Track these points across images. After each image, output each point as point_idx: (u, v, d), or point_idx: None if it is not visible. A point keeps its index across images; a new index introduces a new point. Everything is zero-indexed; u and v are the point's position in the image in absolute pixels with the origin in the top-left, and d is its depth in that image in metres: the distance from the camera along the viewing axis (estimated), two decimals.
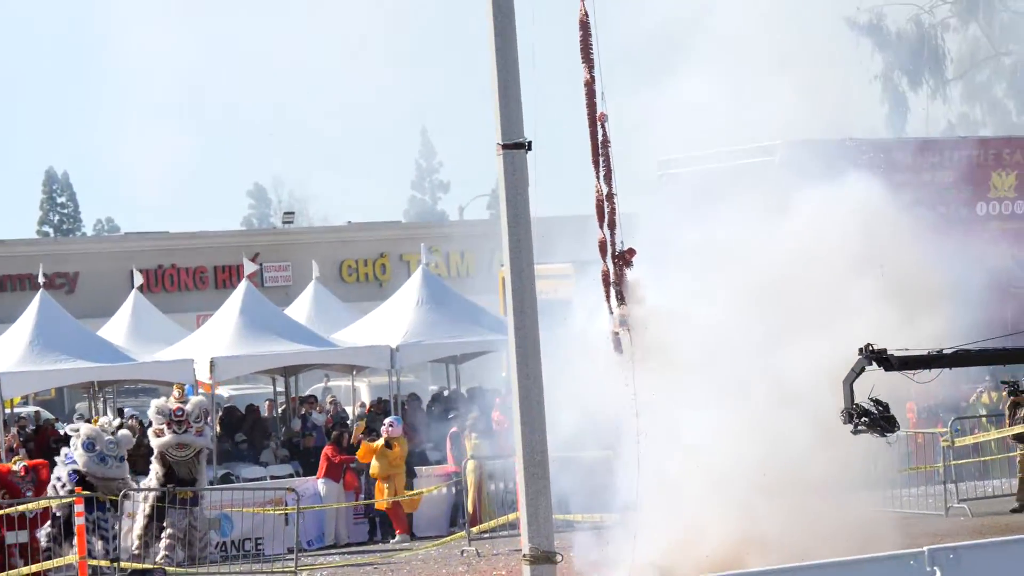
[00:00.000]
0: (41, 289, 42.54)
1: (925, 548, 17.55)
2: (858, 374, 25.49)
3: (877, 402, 25.21)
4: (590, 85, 21.37)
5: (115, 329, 45.79)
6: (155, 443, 32.09)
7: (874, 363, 25.53)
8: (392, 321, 43.54)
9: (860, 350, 25.81)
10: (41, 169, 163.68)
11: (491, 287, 34.27)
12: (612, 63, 23.70)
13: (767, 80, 33.44)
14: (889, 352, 25.62)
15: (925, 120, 54.78)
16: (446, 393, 44.54)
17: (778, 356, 25.88)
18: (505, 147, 18.37)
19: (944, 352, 26.35)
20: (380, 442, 35.18)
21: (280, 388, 48.28)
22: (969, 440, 30.62)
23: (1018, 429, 30.35)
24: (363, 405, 44.45)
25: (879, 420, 25.08)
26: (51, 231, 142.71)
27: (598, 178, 21.34)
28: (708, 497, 24.63)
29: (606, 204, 21.66)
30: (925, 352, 26.10)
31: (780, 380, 25.63)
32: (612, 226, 21.49)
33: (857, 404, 25.19)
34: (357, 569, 30.31)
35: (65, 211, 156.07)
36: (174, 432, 31.73)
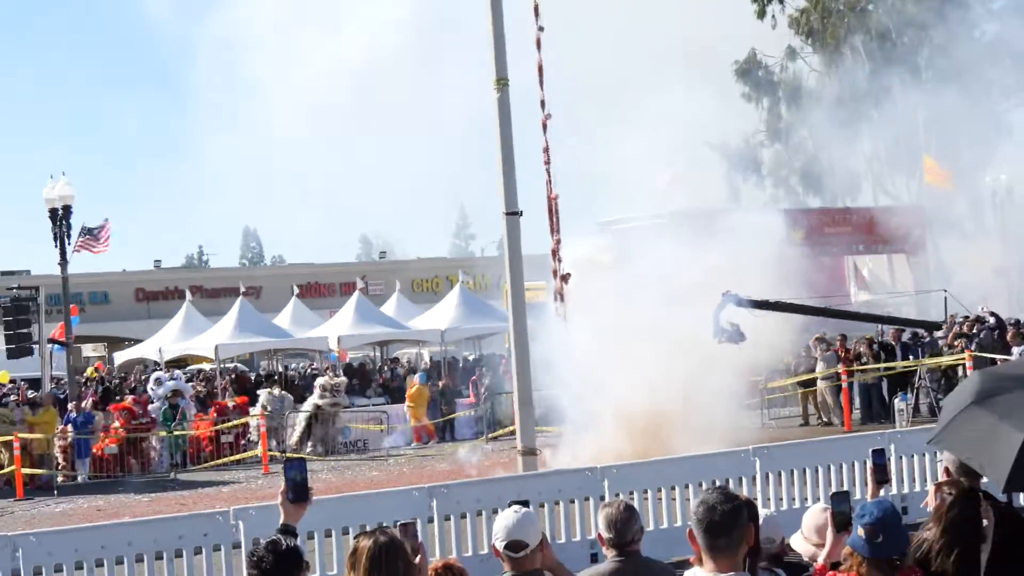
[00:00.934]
0: (240, 296, 42.74)
1: (750, 447, 17.71)
2: (721, 308, 25.77)
3: (731, 324, 25.59)
4: (548, 182, 21.31)
5: (283, 319, 45.70)
6: (318, 401, 32.34)
7: (726, 303, 25.97)
8: (442, 314, 43.62)
9: (723, 293, 26.10)
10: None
11: (499, 295, 34.13)
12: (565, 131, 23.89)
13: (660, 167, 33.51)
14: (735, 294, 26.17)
15: (752, 200, 53.65)
16: (471, 357, 44.57)
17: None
18: (507, 214, 18.56)
19: (775, 301, 26.67)
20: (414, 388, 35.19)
21: (378, 352, 48.56)
22: (775, 383, 30.37)
23: (798, 379, 30.28)
24: (426, 364, 44.62)
25: (734, 334, 25.43)
26: (246, 262, 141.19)
27: (552, 232, 21.42)
28: (621, 413, 24.49)
29: (557, 247, 21.78)
30: (764, 299, 26.45)
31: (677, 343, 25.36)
32: (559, 260, 21.65)
33: (721, 330, 25.52)
34: (423, 458, 30.05)
35: (254, 250, 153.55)
36: (331, 396, 32.20)
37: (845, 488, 13.70)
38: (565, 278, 21.90)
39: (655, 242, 28.20)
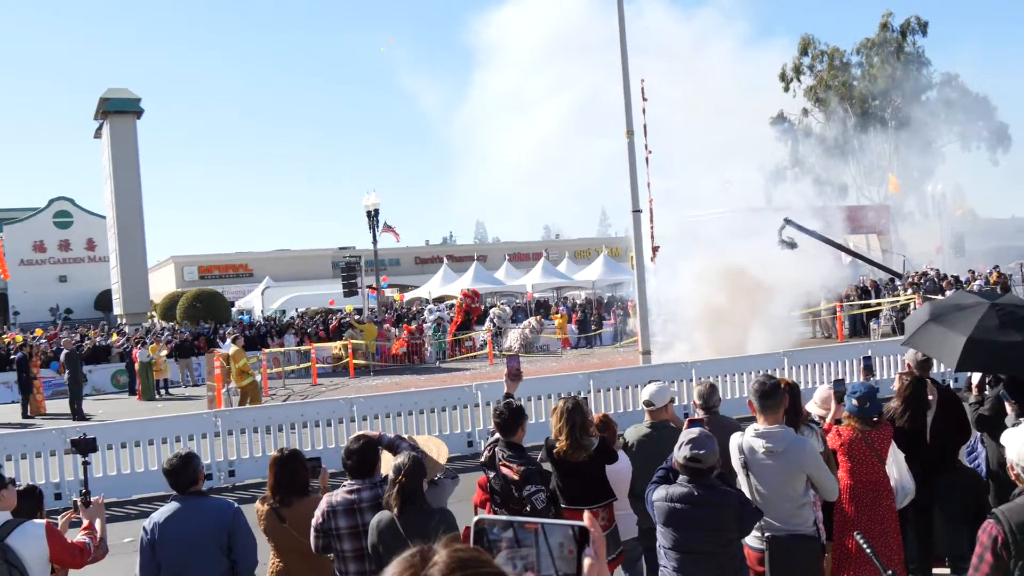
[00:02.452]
0: (475, 261, 42.79)
1: (780, 351, 17.43)
2: (781, 228, 25.02)
3: (789, 237, 24.85)
4: (649, 192, 20.90)
5: (500, 274, 45.86)
6: (529, 326, 32.29)
7: (786, 224, 25.20)
8: (593, 271, 43.31)
9: (784, 218, 25.40)
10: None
11: (627, 259, 33.47)
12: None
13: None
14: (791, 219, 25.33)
15: (779, 202, 51.74)
16: (607, 297, 43.56)
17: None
18: (633, 211, 18.35)
19: (812, 229, 25.90)
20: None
21: (554, 293, 48.18)
22: (796, 312, 28.75)
23: (810, 310, 29.60)
24: (586, 300, 44.08)
25: (790, 244, 24.72)
26: (478, 241, 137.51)
27: (650, 222, 21.03)
28: (706, 327, 23.90)
29: (652, 232, 21.47)
30: (808, 228, 25.85)
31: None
32: (653, 238, 21.32)
33: (782, 241, 24.73)
34: (583, 356, 29.65)
35: (482, 234, 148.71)
36: (536, 329, 32.45)
37: (841, 376, 13.35)
38: (656, 249, 21.73)
39: (720, 226, 27.73)
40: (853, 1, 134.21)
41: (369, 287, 38.48)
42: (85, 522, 5.14)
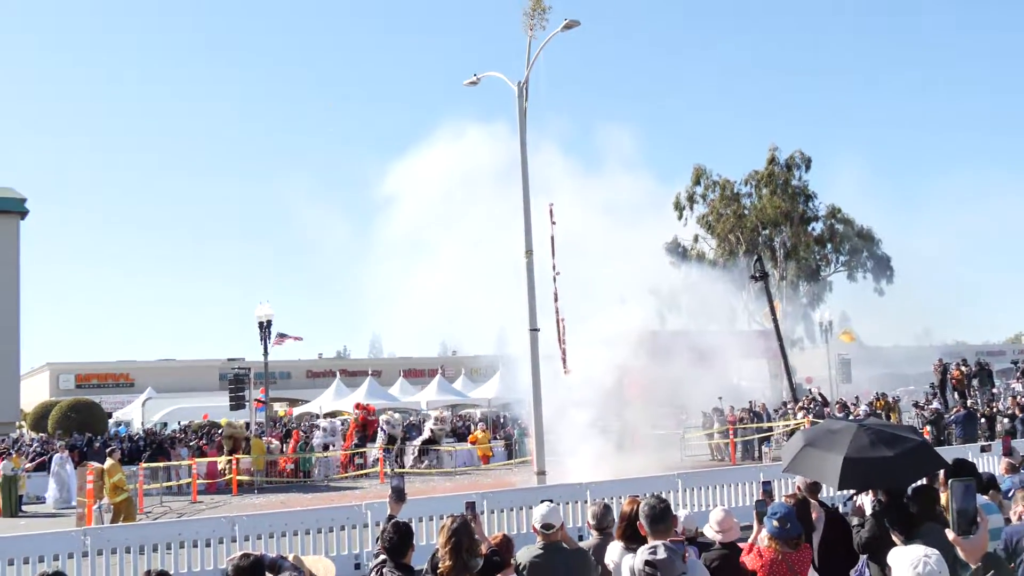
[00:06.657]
0: (369, 376, 42.29)
1: (675, 472, 17.57)
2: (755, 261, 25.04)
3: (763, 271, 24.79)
4: (557, 312, 21.13)
5: (395, 390, 45.29)
6: (432, 427, 31.93)
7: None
8: (490, 388, 43.21)
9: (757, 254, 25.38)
10: None
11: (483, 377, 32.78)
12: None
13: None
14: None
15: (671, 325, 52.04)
16: (507, 413, 43.18)
17: None
18: (531, 330, 18.48)
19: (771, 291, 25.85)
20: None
21: (450, 411, 47.57)
22: (689, 434, 29.20)
23: (704, 432, 30.04)
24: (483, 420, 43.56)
25: (761, 276, 24.67)
26: (373, 355, 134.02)
27: (559, 342, 21.22)
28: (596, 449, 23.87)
29: (563, 353, 21.58)
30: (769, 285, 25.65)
31: None
32: (564, 354, 21.44)
33: (752, 276, 24.62)
34: (478, 475, 29.19)
35: (377, 348, 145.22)
36: (440, 425, 32.32)
37: (761, 498, 13.56)
38: (564, 353, 21.75)
39: (617, 349, 28.09)
40: (744, 136, 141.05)
41: (256, 400, 37.55)
42: None
